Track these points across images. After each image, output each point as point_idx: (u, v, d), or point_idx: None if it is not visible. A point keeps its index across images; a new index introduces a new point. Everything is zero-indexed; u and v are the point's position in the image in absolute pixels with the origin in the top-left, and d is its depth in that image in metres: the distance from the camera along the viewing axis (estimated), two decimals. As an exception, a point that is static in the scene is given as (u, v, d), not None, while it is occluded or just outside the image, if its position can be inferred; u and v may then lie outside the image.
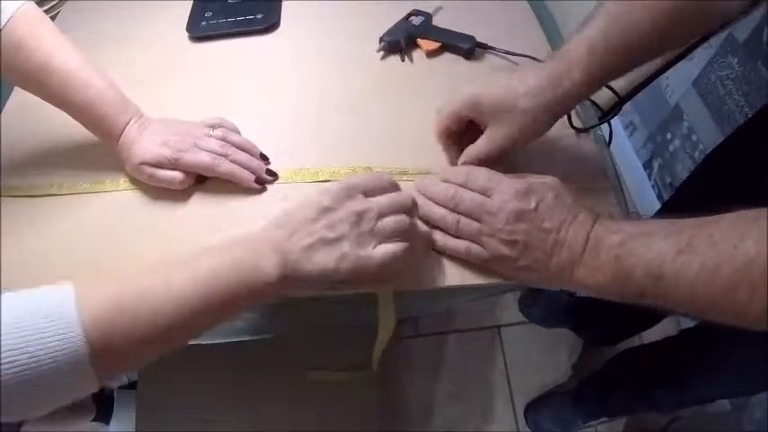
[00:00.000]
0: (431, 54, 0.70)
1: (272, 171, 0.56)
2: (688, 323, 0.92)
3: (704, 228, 0.37)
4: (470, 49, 0.69)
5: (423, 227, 0.50)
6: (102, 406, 1.14)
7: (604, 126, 0.66)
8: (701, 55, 1.20)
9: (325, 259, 0.41)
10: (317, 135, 0.62)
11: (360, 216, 0.42)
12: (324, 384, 0.92)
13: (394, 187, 0.47)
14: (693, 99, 1.25)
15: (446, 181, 0.51)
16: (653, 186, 1.43)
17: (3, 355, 0.30)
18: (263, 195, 0.56)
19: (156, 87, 0.65)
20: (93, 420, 1.14)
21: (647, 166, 1.46)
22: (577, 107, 0.65)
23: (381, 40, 0.69)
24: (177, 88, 0.66)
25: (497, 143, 0.50)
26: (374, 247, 0.42)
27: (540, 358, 1.31)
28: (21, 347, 0.30)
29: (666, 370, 0.90)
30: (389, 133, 0.61)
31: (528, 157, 0.59)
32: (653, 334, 1.01)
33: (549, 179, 0.47)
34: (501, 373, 1.29)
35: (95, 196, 0.56)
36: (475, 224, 0.47)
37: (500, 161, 0.51)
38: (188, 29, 0.73)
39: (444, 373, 1.28)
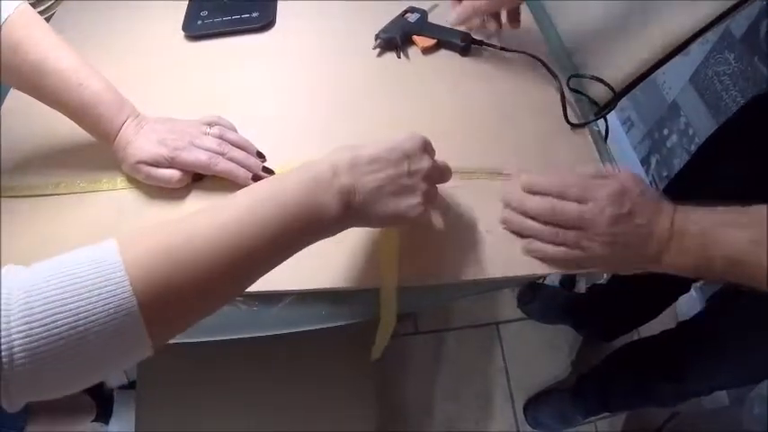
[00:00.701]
0: (426, 51, 0.70)
1: (268, 168, 0.56)
2: (685, 316, 0.92)
3: None
4: (466, 45, 0.69)
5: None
6: (102, 406, 1.14)
7: (600, 122, 0.66)
8: (698, 50, 1.20)
9: (395, 203, 0.41)
10: (313, 132, 0.62)
11: (429, 173, 0.44)
12: (324, 382, 0.92)
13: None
14: (690, 95, 1.25)
15: (537, 191, 0.52)
16: (651, 182, 1.44)
17: (42, 307, 0.27)
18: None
19: (153, 86, 0.65)
20: (94, 421, 1.14)
21: (645, 161, 1.46)
22: (573, 102, 0.66)
23: (377, 37, 0.69)
24: (173, 87, 0.66)
25: None
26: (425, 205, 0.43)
27: (539, 354, 1.31)
28: (60, 298, 0.28)
29: (666, 362, 0.91)
30: (385, 129, 0.61)
31: (524, 153, 0.59)
32: (651, 329, 1.01)
33: (629, 176, 0.50)
34: (500, 370, 1.29)
35: (93, 195, 0.56)
36: (573, 233, 0.48)
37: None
38: (184, 28, 0.73)
39: (443, 371, 1.28)
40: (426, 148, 0.45)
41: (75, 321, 0.28)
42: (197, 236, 0.34)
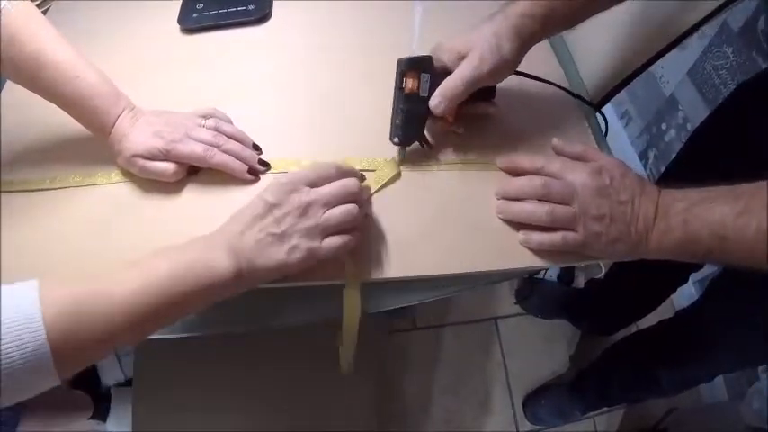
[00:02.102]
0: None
1: (264, 161, 0.56)
2: (683, 305, 0.93)
3: (758, 193, 0.42)
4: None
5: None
6: (100, 404, 1.13)
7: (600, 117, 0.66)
8: (696, 44, 1.20)
9: (275, 253, 0.43)
10: (310, 125, 0.61)
11: (304, 209, 0.44)
12: (323, 380, 0.91)
13: (343, 174, 0.47)
14: (688, 89, 1.25)
15: (517, 170, 0.53)
16: (649, 177, 1.44)
17: None
18: (256, 185, 0.55)
19: (148, 79, 0.65)
20: (91, 419, 1.13)
21: (643, 156, 1.46)
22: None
23: (395, 142, 0.56)
24: (169, 80, 0.66)
25: (469, 68, 0.50)
26: (322, 240, 0.45)
27: (537, 349, 1.31)
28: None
29: (665, 350, 0.91)
30: (379, 124, 0.61)
31: (523, 146, 0.59)
32: (649, 321, 1.01)
33: (610, 159, 0.51)
34: (498, 365, 1.29)
35: (87, 189, 0.55)
36: (570, 208, 0.48)
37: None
38: (179, 21, 0.72)
39: (442, 366, 1.28)
40: (297, 184, 0.45)
41: None
42: (108, 295, 0.37)
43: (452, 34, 0.53)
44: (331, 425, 0.90)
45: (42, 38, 0.50)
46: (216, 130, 0.55)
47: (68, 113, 0.53)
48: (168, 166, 0.53)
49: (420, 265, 0.50)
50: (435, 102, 0.52)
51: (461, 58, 0.51)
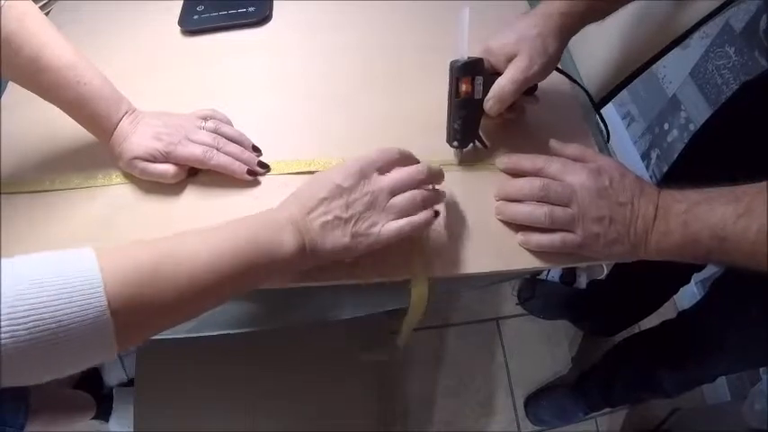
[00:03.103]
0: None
1: (263, 163, 0.56)
2: (685, 305, 0.92)
3: (759, 194, 0.41)
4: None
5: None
6: (102, 404, 1.14)
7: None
8: (698, 45, 1.19)
9: (341, 237, 0.43)
10: (309, 127, 0.61)
11: (374, 196, 0.44)
12: (325, 379, 0.91)
13: (407, 159, 0.48)
14: (691, 89, 1.25)
15: (518, 170, 0.53)
16: (651, 177, 1.43)
17: (26, 312, 0.30)
18: (257, 187, 0.55)
19: (149, 81, 0.65)
20: (94, 419, 1.14)
21: (645, 156, 1.46)
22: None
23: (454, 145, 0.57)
24: (170, 82, 0.66)
25: (520, 70, 0.51)
26: (384, 225, 0.44)
27: (539, 350, 1.31)
28: (44, 305, 0.30)
29: (667, 351, 0.91)
30: (380, 124, 0.61)
31: (524, 147, 0.59)
32: (651, 322, 1.01)
33: (608, 158, 0.51)
34: (500, 366, 1.29)
35: (88, 191, 0.56)
36: (569, 210, 0.48)
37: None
38: (180, 23, 0.72)
39: (444, 367, 1.28)
40: (367, 169, 0.45)
41: (56, 331, 0.30)
42: (171, 261, 0.36)
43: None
44: (332, 425, 0.90)
45: (42, 39, 0.50)
46: (215, 131, 0.55)
47: (69, 116, 0.53)
48: (168, 168, 0.53)
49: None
50: (490, 104, 0.53)
51: (510, 59, 0.52)
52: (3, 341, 0.29)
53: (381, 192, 0.45)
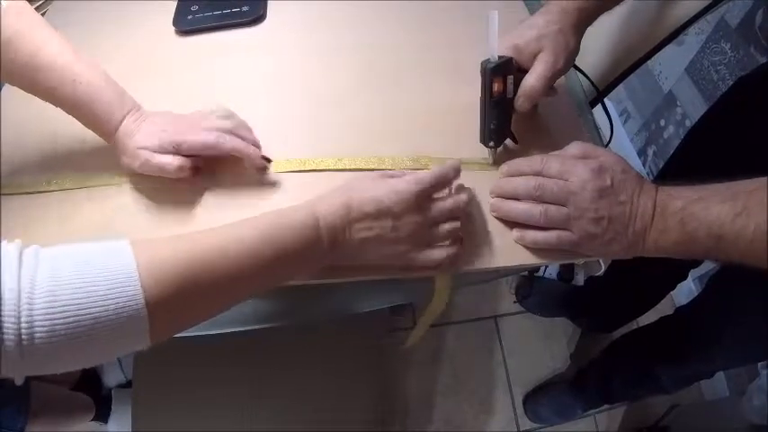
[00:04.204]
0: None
1: (265, 157, 0.55)
2: (682, 301, 0.93)
3: (756, 192, 0.41)
4: None
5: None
6: (101, 406, 1.14)
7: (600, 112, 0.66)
8: (694, 41, 1.19)
9: (375, 253, 0.45)
10: (304, 126, 0.61)
11: (421, 226, 0.45)
12: (324, 380, 0.91)
13: (457, 172, 0.49)
14: (687, 85, 1.25)
15: (517, 173, 0.53)
16: (648, 173, 1.43)
17: (63, 307, 0.30)
18: (261, 192, 0.55)
19: (144, 82, 0.64)
20: (93, 420, 1.14)
21: (642, 153, 1.46)
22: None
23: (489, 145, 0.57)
24: (165, 83, 0.66)
25: (547, 66, 0.52)
26: (423, 250, 0.46)
27: (537, 348, 1.31)
28: (81, 301, 0.31)
29: (665, 347, 0.91)
30: (375, 123, 0.61)
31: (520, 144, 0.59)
32: (649, 319, 1.01)
33: (610, 155, 0.50)
34: (499, 364, 1.29)
35: (86, 191, 0.55)
36: (563, 209, 0.48)
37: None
38: (174, 23, 0.72)
39: (443, 365, 1.28)
40: (421, 199, 0.45)
41: (92, 325, 0.31)
42: (210, 251, 0.37)
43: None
44: (331, 425, 0.90)
45: (38, 40, 0.49)
46: (228, 119, 0.54)
47: (72, 116, 0.52)
48: (173, 160, 0.51)
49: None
50: (520, 101, 0.54)
51: (535, 55, 0.53)
52: (36, 328, 0.29)
53: (427, 221, 0.46)
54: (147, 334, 0.33)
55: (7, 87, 0.65)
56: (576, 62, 0.74)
